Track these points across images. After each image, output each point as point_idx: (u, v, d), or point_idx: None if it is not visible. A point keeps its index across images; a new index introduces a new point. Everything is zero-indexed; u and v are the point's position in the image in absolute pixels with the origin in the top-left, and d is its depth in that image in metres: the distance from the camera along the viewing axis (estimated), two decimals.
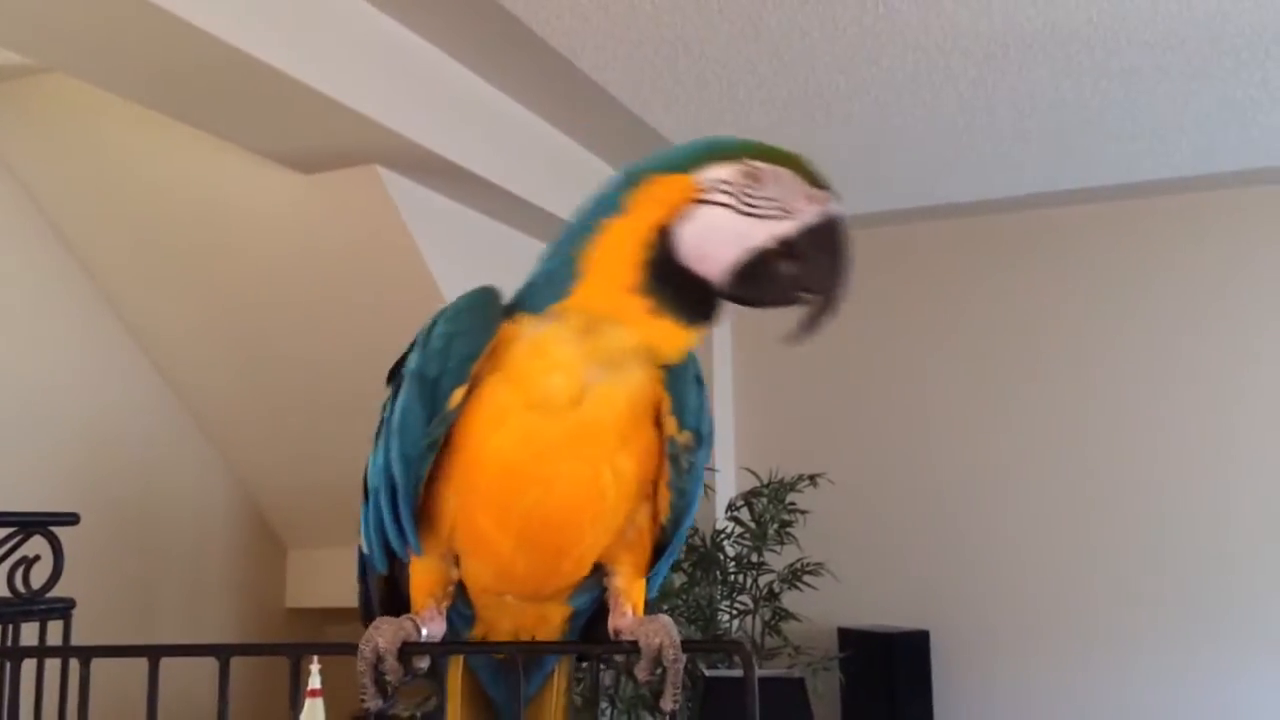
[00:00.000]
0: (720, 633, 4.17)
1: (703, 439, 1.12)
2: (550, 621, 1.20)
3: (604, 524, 1.10)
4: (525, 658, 1.16)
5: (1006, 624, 4.69)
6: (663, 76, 3.39)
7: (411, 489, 1.10)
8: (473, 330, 1.08)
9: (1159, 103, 3.69)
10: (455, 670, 1.26)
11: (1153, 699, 4.47)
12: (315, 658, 3.38)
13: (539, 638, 1.21)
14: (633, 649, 1.06)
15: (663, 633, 1.04)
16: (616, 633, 1.10)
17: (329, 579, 4.39)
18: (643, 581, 1.16)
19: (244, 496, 4.37)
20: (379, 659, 1.08)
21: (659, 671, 1.04)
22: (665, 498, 1.13)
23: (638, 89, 3.48)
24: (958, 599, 4.74)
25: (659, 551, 1.17)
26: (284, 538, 4.51)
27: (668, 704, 1.02)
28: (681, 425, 1.09)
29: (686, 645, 1.04)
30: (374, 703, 1.08)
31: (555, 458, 1.05)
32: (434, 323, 1.12)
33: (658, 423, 1.10)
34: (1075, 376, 4.74)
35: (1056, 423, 4.74)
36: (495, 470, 1.07)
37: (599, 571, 1.16)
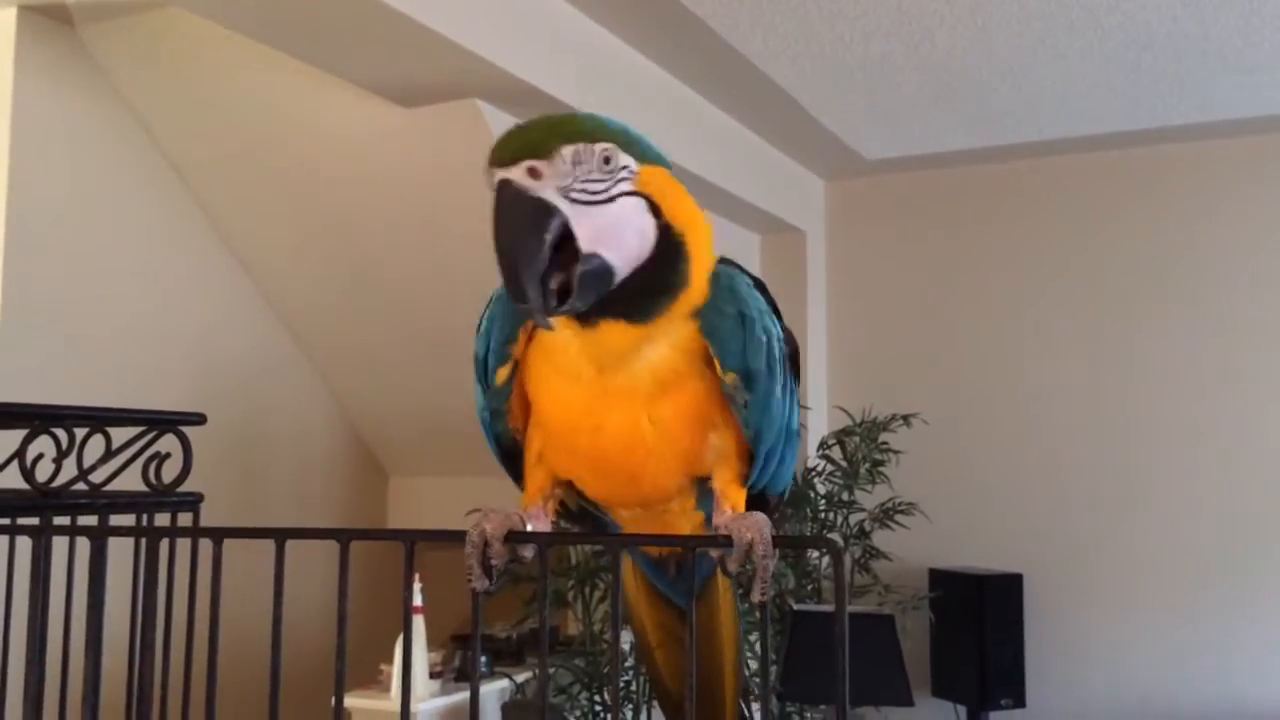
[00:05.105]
0: (810, 570, 4.20)
1: (754, 375, 1.12)
2: (682, 528, 1.27)
3: (659, 457, 1.15)
4: (685, 558, 1.24)
5: (1103, 569, 4.62)
6: (762, 7, 3.35)
7: (493, 438, 1.26)
8: (508, 314, 1.17)
9: None
10: (627, 565, 1.39)
11: (1254, 647, 4.37)
12: (418, 576, 3.48)
13: None
14: (727, 543, 1.09)
15: (754, 529, 1.07)
16: (717, 529, 1.14)
17: (429, 506, 4.53)
18: (742, 487, 1.20)
19: (346, 423, 4.52)
20: (486, 543, 1.15)
21: (750, 566, 1.08)
22: (737, 427, 1.17)
23: (736, 20, 3.44)
24: (1053, 543, 4.68)
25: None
26: (385, 464, 4.66)
27: (756, 596, 1.07)
28: (725, 367, 1.11)
29: (777, 541, 1.08)
30: (480, 583, 1.15)
31: (594, 413, 1.13)
32: (486, 304, 1.22)
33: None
34: (1175, 316, 4.61)
35: (1156, 365, 4.61)
36: (552, 422, 1.18)
37: (705, 482, 1.20)
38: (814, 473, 4.34)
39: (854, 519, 4.30)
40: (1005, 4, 3.34)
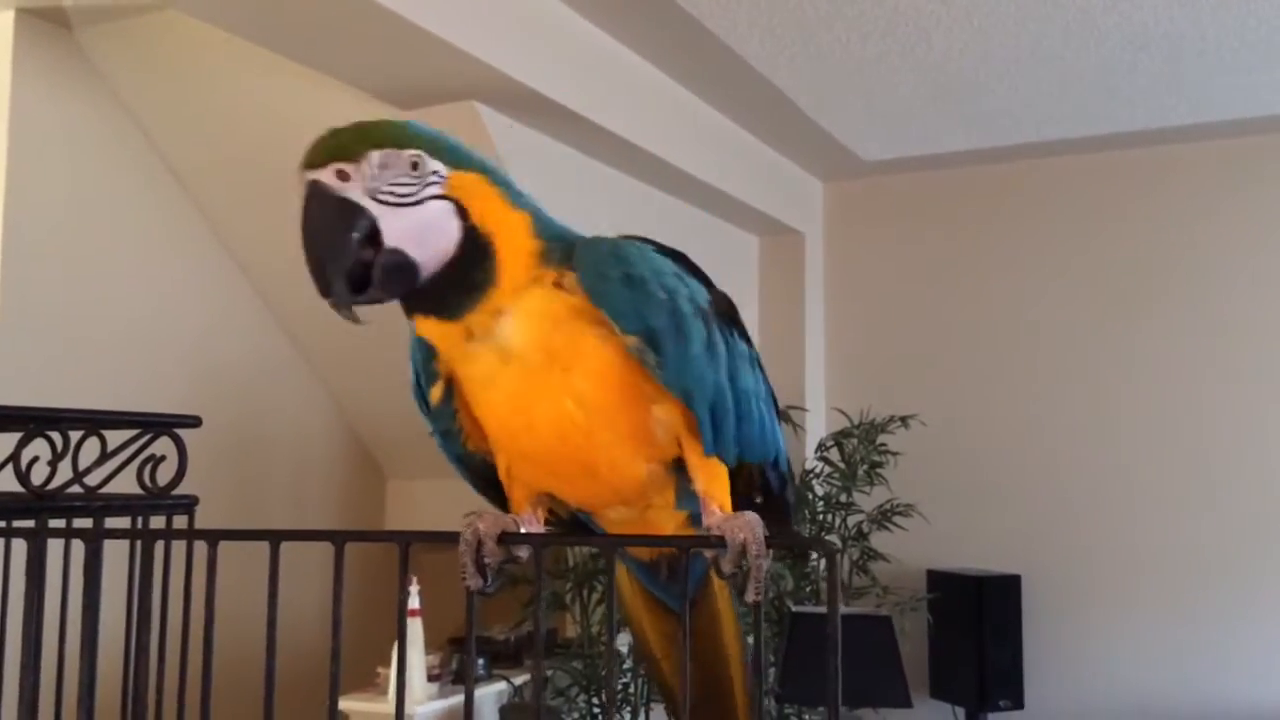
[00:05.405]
0: (808, 571, 4.20)
1: (657, 334, 1.11)
2: (666, 528, 1.27)
3: (599, 440, 1.14)
4: (677, 560, 1.21)
5: (1102, 570, 4.62)
6: (759, 8, 3.35)
7: (455, 460, 1.28)
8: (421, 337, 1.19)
9: (1277, 35, 3.52)
10: (622, 573, 1.40)
11: (1254, 647, 4.37)
12: (415, 579, 3.46)
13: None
14: (719, 544, 1.09)
15: (747, 529, 1.07)
16: (708, 530, 1.14)
17: (427, 509, 4.52)
18: (721, 476, 1.19)
19: (345, 426, 4.51)
20: (480, 543, 1.15)
21: (744, 566, 1.08)
22: (666, 393, 1.15)
23: (734, 21, 3.45)
24: (1051, 544, 4.68)
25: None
26: (384, 467, 4.66)
27: (750, 596, 1.06)
28: (624, 330, 1.11)
29: (770, 541, 1.07)
30: (474, 582, 1.16)
31: (520, 410, 1.14)
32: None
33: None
34: (1175, 316, 4.61)
35: (1156, 365, 4.62)
36: (494, 429, 1.19)
37: (683, 475, 1.20)
38: (812, 474, 4.34)
39: (852, 520, 4.31)
40: (1001, 5, 3.34)
